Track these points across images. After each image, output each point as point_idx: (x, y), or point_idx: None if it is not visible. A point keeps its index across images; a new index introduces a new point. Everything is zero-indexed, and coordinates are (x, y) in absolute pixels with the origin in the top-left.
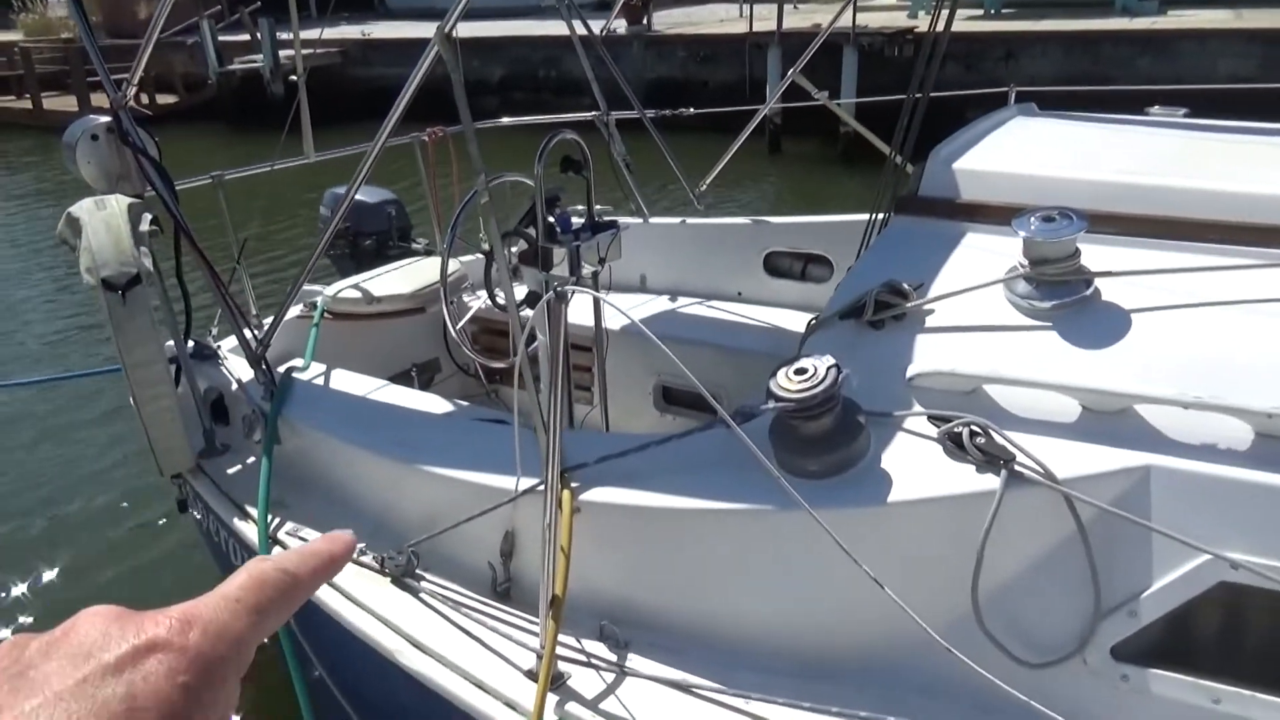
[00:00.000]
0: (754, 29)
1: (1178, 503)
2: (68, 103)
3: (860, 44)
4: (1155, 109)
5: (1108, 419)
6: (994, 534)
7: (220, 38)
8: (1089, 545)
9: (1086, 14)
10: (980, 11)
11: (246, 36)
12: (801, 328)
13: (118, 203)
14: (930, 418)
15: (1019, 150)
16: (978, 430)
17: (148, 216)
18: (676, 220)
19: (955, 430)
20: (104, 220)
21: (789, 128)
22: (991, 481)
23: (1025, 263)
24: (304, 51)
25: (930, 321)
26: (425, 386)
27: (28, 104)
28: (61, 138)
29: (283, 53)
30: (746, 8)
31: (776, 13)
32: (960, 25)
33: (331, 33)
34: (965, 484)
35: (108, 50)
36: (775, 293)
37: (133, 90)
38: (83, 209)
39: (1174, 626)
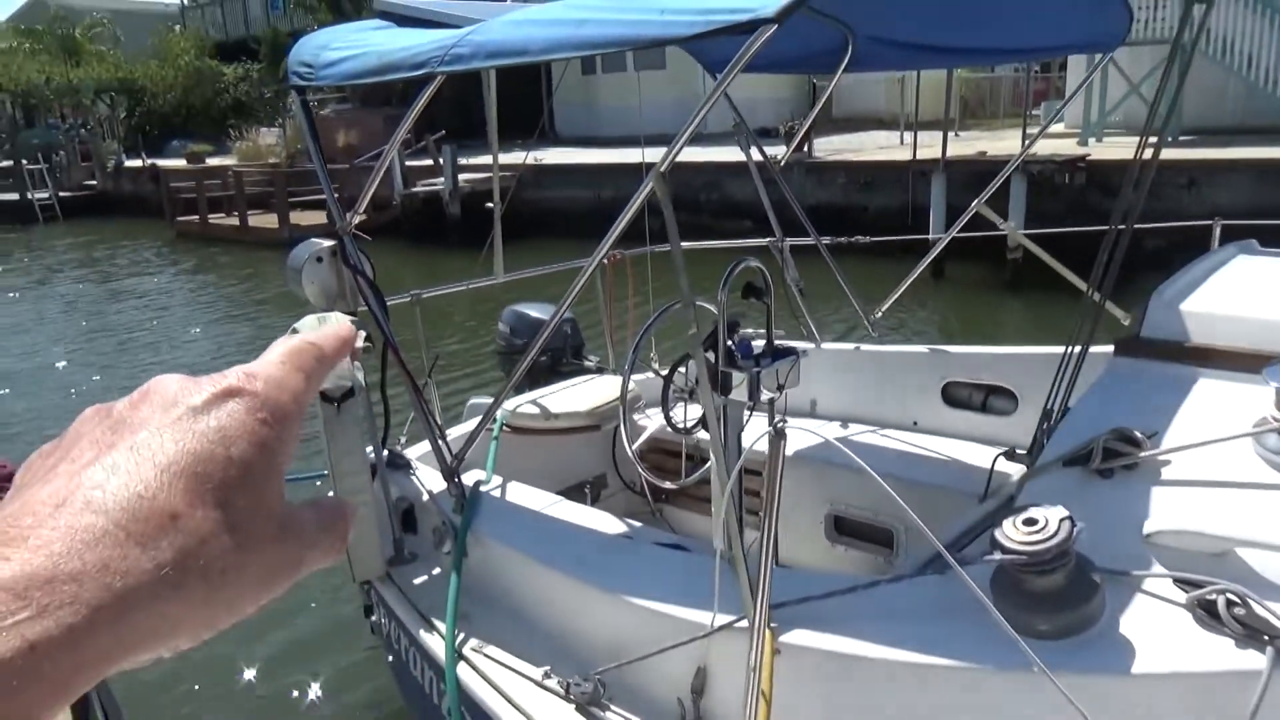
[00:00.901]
0: (917, 156)
1: None
2: (269, 220)
3: (1030, 171)
4: None
5: None
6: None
7: (407, 162)
8: None
9: (1273, 140)
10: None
11: (429, 161)
12: (984, 462)
13: (337, 320)
14: (1176, 581)
15: (1250, 292)
16: (1235, 599)
17: (362, 334)
18: (850, 346)
19: (1208, 597)
20: None
21: (952, 253)
22: (1256, 659)
23: (1279, 416)
24: (482, 176)
25: (1166, 473)
26: (594, 502)
27: (235, 221)
28: (286, 259)
29: (461, 177)
30: (906, 134)
31: (941, 140)
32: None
33: (507, 158)
34: (1223, 660)
35: (310, 175)
36: (954, 424)
37: (357, 218)
38: (306, 325)
39: None
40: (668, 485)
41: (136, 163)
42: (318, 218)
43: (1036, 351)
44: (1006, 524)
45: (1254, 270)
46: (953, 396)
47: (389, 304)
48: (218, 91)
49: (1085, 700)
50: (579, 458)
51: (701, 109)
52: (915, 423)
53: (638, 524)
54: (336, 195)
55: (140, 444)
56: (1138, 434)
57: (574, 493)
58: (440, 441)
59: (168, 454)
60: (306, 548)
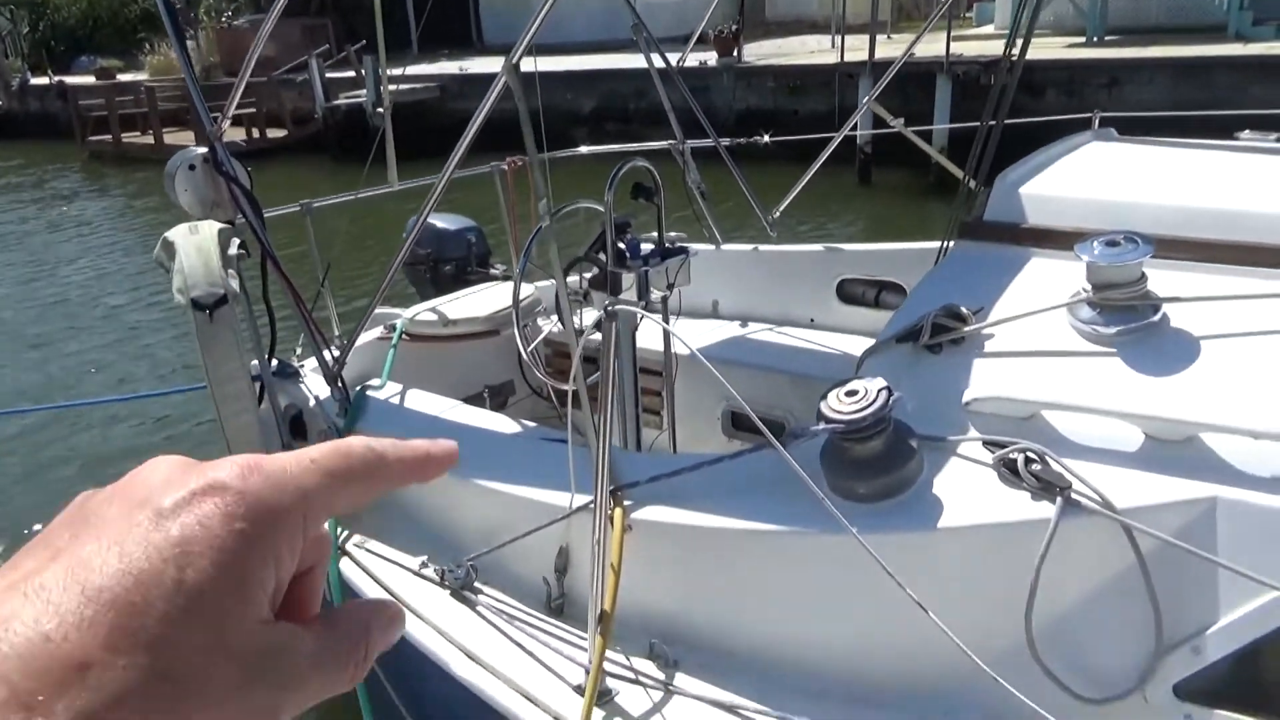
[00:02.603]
0: (845, 59)
1: (1245, 537)
2: (186, 138)
3: (954, 73)
4: (1245, 134)
5: (1172, 448)
6: (1049, 564)
7: (327, 75)
8: (1150, 578)
9: (1196, 40)
10: (1082, 39)
11: (352, 74)
12: None
13: (209, 228)
14: (985, 443)
15: (1089, 175)
16: (1033, 456)
17: (236, 241)
18: (749, 247)
19: (1010, 456)
20: (196, 244)
21: (880, 158)
22: (1046, 509)
23: (1089, 288)
24: (405, 86)
25: (989, 346)
26: (500, 408)
27: (150, 139)
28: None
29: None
30: (838, 38)
31: (869, 43)
32: (1062, 53)
33: (432, 69)
34: (1019, 511)
35: (225, 87)
36: (848, 320)
37: (226, 123)
38: (177, 233)
39: (1240, 666)
40: (565, 387)
41: (43, 80)
42: (236, 133)
43: (924, 246)
44: (830, 396)
45: (1101, 155)
46: (847, 293)
47: (278, 214)
48: (125, 1)
49: (897, 554)
50: (482, 364)
51: None
52: (812, 320)
53: (532, 424)
54: (254, 110)
55: (80, 562)
56: (964, 310)
57: (478, 399)
58: (321, 346)
59: (104, 576)
60: (289, 690)
